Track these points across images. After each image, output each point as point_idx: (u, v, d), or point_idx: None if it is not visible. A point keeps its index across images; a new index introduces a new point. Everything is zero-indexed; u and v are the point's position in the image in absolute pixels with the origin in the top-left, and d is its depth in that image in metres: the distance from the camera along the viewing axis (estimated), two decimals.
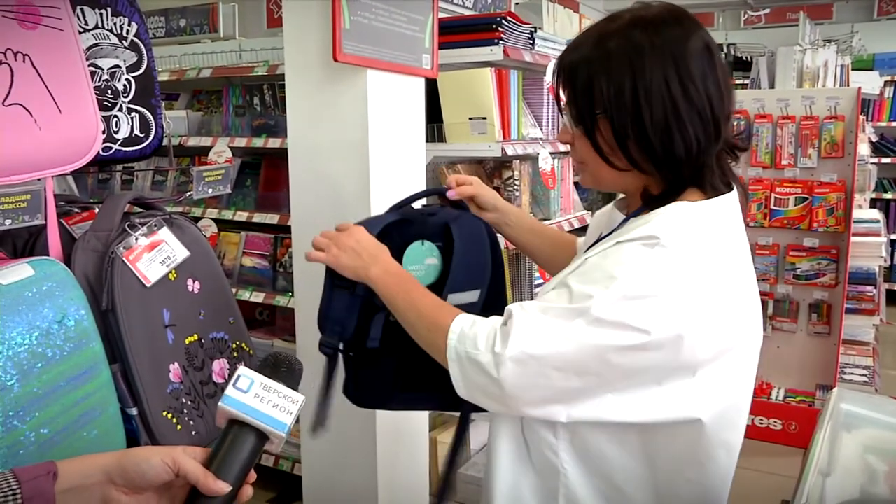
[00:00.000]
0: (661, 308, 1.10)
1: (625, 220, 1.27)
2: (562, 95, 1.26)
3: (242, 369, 0.94)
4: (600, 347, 1.09)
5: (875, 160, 6.14)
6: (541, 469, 1.27)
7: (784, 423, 3.93)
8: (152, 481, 0.89)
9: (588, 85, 1.17)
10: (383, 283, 1.34)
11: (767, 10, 7.53)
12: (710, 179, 1.22)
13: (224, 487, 0.89)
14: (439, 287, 1.45)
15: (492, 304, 1.46)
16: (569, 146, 1.30)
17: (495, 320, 1.19)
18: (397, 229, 1.49)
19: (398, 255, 1.46)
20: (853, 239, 3.87)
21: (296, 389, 0.96)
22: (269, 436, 0.93)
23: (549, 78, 1.38)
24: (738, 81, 7.09)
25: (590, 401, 1.14)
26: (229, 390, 0.92)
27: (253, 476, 0.95)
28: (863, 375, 4.14)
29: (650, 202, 1.23)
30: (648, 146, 1.16)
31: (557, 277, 1.24)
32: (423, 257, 1.48)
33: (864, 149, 4.99)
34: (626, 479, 1.23)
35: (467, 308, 1.32)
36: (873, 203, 5.98)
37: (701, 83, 1.16)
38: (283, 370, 0.98)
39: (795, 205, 3.91)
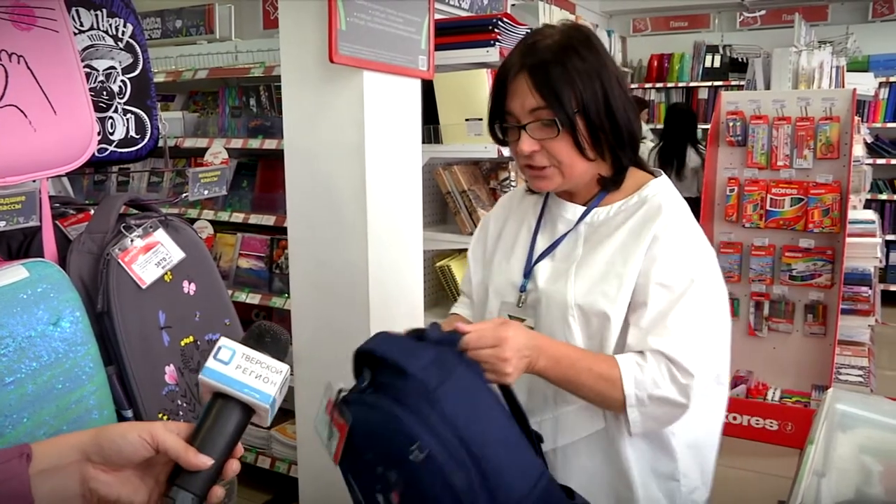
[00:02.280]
0: (714, 257, 1.40)
1: (588, 210, 1.44)
2: (521, 110, 1.36)
3: (223, 340, 0.91)
4: (720, 308, 1.37)
5: (870, 161, 6.15)
6: (664, 453, 1.41)
7: (780, 423, 3.93)
8: (130, 458, 0.85)
9: (567, 88, 1.32)
10: (552, 370, 1.32)
11: (763, 12, 7.54)
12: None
13: (206, 461, 0.86)
14: None
15: None
16: (529, 155, 1.37)
17: (655, 360, 1.31)
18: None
19: None
20: (848, 240, 3.87)
21: (282, 360, 0.93)
22: (254, 408, 0.90)
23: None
24: (733, 82, 7.13)
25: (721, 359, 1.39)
26: (210, 362, 0.89)
27: (240, 450, 0.91)
28: (858, 376, 4.15)
29: (607, 185, 1.43)
30: (617, 132, 1.36)
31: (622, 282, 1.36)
32: None
33: (858, 150, 5.00)
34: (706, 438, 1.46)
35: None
36: (868, 204, 5.99)
37: (623, 77, 1.41)
38: (268, 340, 0.95)
39: (791, 206, 3.92)
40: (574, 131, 1.33)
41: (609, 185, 1.43)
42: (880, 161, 6.77)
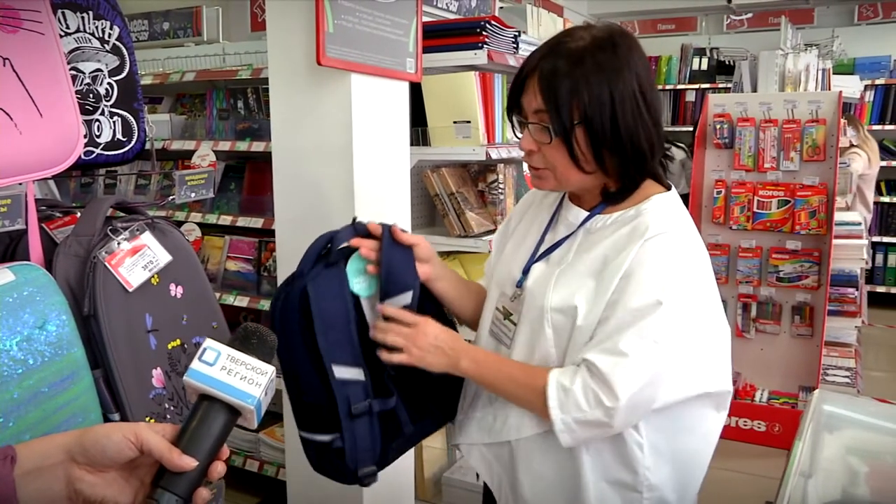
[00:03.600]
0: (702, 280, 1.34)
1: (589, 217, 1.42)
2: (528, 108, 1.37)
3: (208, 341, 0.91)
4: (677, 341, 1.28)
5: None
6: (624, 463, 1.38)
7: (768, 424, 3.95)
8: (114, 458, 0.85)
9: (570, 99, 1.30)
10: (477, 372, 1.41)
11: (750, 15, 7.57)
12: (663, 174, 1.44)
13: (190, 463, 0.85)
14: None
15: (425, 297, 1.53)
16: (527, 154, 1.40)
17: (583, 378, 1.29)
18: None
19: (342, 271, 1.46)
20: (835, 241, 3.90)
21: (268, 361, 0.93)
22: (240, 410, 0.90)
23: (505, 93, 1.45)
24: (720, 85, 7.16)
25: (677, 385, 1.32)
26: (194, 363, 0.89)
27: (226, 452, 0.91)
28: (845, 377, 4.18)
29: (610, 198, 1.40)
30: (621, 150, 1.32)
31: (589, 301, 1.34)
32: (364, 266, 1.47)
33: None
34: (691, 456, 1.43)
35: (406, 309, 1.45)
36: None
37: (652, 92, 1.35)
38: (254, 342, 0.94)
39: (778, 207, 3.94)
40: (569, 143, 1.32)
41: (609, 198, 1.41)
42: None
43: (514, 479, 1.46)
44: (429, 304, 1.54)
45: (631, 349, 1.26)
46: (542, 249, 1.48)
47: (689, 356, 1.32)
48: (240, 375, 0.90)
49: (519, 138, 1.42)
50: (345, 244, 1.47)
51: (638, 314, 1.27)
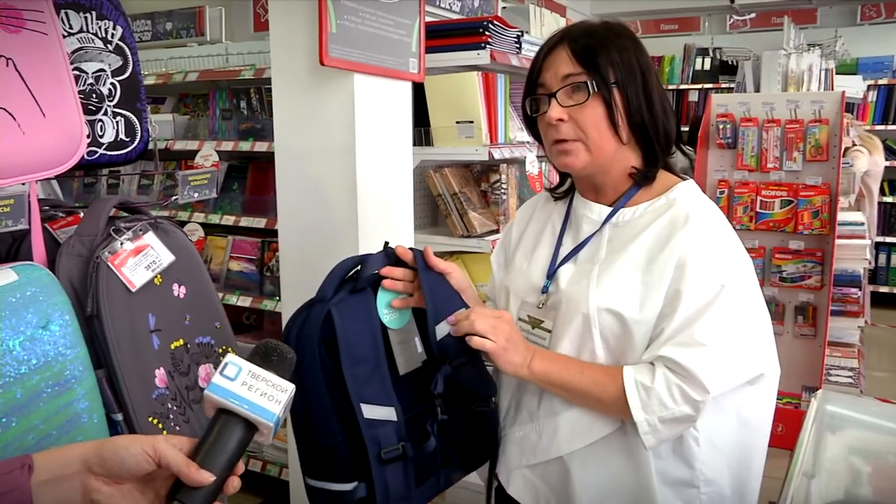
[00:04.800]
0: (749, 262, 1.34)
1: (614, 210, 1.39)
2: (554, 78, 1.34)
3: (230, 356, 0.91)
4: (745, 322, 1.29)
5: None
6: (682, 458, 1.35)
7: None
8: (132, 470, 0.86)
9: (606, 55, 1.31)
10: (552, 371, 1.33)
11: (753, 15, 7.56)
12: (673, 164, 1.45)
13: (207, 477, 0.86)
14: (421, 322, 1.41)
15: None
16: (556, 126, 1.34)
17: (664, 375, 1.26)
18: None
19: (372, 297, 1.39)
20: (838, 241, 3.89)
21: (287, 378, 0.93)
22: (257, 425, 0.90)
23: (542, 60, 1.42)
24: (723, 85, 7.16)
25: (744, 367, 1.31)
26: (216, 378, 0.89)
27: (241, 468, 0.92)
28: (848, 377, 4.17)
29: (639, 180, 1.38)
30: (653, 118, 1.34)
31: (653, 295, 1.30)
32: (391, 297, 1.41)
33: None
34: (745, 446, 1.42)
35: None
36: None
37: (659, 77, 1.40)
38: (274, 359, 0.94)
39: (781, 207, 3.93)
40: (608, 101, 1.30)
41: (641, 180, 1.38)
42: None
43: (568, 497, 1.39)
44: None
45: (707, 338, 1.24)
46: (563, 252, 1.43)
47: (753, 336, 1.31)
48: (260, 392, 0.90)
49: (528, 140, 1.42)
50: (376, 272, 1.39)
51: (705, 302, 1.25)
